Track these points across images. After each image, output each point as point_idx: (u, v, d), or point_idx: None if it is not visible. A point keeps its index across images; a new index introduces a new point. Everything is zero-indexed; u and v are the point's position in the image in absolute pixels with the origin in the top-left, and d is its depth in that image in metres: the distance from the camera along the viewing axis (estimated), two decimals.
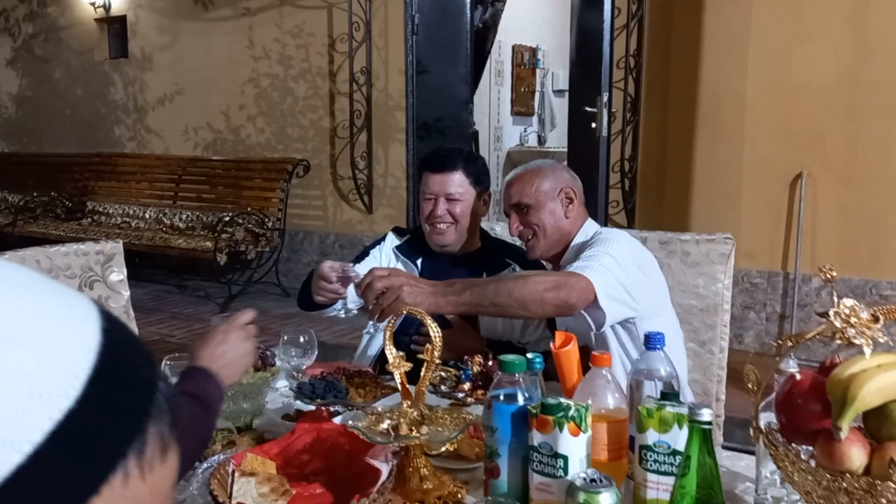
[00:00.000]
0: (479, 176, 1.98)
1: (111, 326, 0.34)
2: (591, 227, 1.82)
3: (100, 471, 0.30)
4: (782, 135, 3.63)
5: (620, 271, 1.59)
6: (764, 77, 3.63)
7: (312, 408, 1.36)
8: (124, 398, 0.32)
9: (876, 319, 0.87)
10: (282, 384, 1.58)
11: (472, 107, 4.84)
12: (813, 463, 0.91)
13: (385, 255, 2.02)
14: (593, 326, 1.55)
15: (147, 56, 5.93)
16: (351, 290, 1.70)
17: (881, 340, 0.87)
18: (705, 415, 0.89)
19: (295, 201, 5.25)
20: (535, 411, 1.01)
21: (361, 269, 1.70)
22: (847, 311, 0.86)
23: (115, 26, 6.17)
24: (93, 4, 6.04)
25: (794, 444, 0.95)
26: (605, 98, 3.88)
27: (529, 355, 1.15)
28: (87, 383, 0.31)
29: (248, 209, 5.05)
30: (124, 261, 1.82)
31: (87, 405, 0.30)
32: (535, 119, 7.54)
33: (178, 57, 5.75)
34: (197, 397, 1.06)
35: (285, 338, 1.60)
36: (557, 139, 7.32)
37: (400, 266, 1.98)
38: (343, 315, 1.95)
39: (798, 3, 3.55)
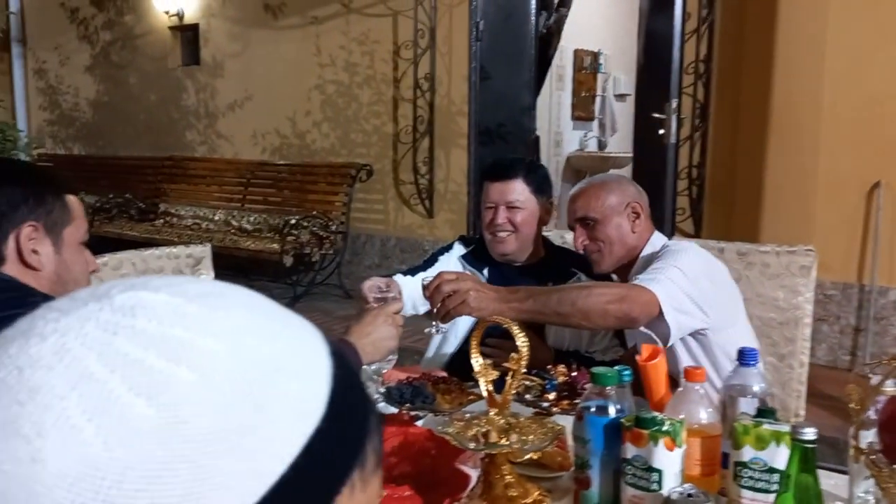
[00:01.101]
0: (540, 185, 2.00)
1: (334, 350, 0.37)
2: (658, 239, 1.81)
3: (335, 483, 0.33)
4: (859, 143, 3.53)
5: (688, 283, 1.58)
6: (840, 84, 3.54)
7: (395, 411, 1.39)
8: (352, 417, 0.35)
9: None
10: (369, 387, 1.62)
11: (534, 113, 4.84)
12: None
13: (452, 263, 2.05)
14: (658, 340, 1.55)
15: (218, 63, 6.10)
16: (410, 296, 1.75)
17: None
18: (809, 434, 0.89)
19: (358, 205, 5.33)
20: (628, 424, 1.02)
21: (429, 274, 1.74)
22: None
23: (187, 34, 6.37)
24: (167, 13, 6.25)
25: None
26: (674, 104, 3.84)
27: (619, 368, 1.16)
28: (327, 404, 0.34)
29: (313, 212, 5.14)
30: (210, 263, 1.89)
31: (328, 424, 0.33)
32: (595, 124, 7.48)
33: (247, 64, 5.91)
34: None
35: None
36: (618, 144, 7.26)
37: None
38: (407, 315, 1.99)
39: (875, 8, 3.45)
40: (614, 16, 6.89)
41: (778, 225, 3.75)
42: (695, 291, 1.59)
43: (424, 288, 1.60)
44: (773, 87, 3.71)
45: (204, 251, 1.87)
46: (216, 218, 5.82)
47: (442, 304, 1.52)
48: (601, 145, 7.48)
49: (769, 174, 3.78)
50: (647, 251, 1.78)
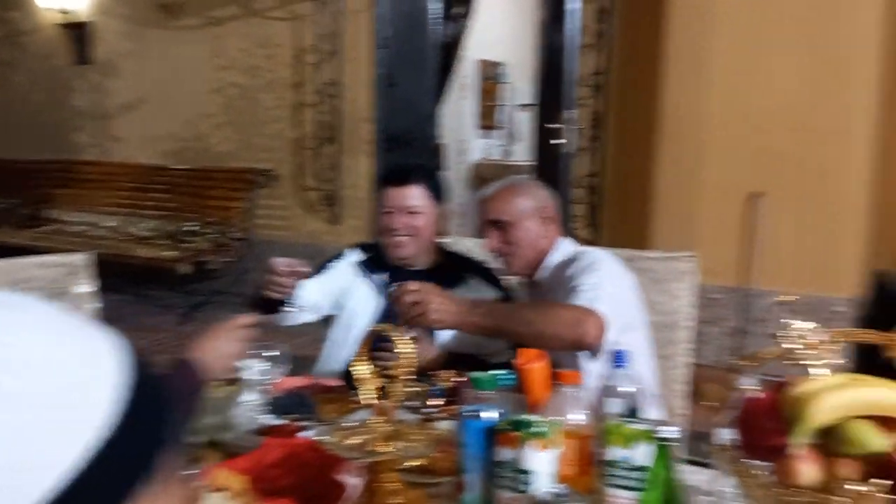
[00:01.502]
0: (438, 191, 2.03)
1: (136, 363, 0.36)
2: (567, 244, 1.86)
3: (114, 498, 0.32)
4: (742, 154, 3.73)
5: (618, 295, 1.65)
6: (724, 97, 3.73)
7: (281, 423, 1.37)
8: (139, 431, 0.34)
9: (824, 341, 0.91)
10: (251, 398, 1.58)
11: (438, 120, 4.88)
12: (769, 479, 0.95)
13: (343, 272, 2.04)
14: (591, 355, 1.60)
15: (110, 62, 5.85)
16: (305, 293, 1.74)
17: (830, 361, 0.91)
18: (667, 431, 0.93)
19: (261, 212, 5.22)
20: (502, 427, 1.04)
21: (316, 283, 1.74)
22: (798, 334, 0.91)
23: (77, 32, 6.08)
24: (55, 10, 5.95)
25: (753, 461, 0.99)
26: (570, 114, 3.95)
27: (500, 372, 1.18)
28: (112, 418, 0.33)
29: (212, 219, 5.00)
30: (92, 272, 1.81)
31: (110, 440, 0.32)
32: (499, 133, 7.62)
33: (142, 64, 5.69)
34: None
35: (255, 350, 1.60)
36: (522, 153, 7.40)
37: (362, 280, 2.01)
38: (299, 322, 1.97)
39: (758, 26, 3.66)
40: (517, 27, 7.04)
41: (668, 232, 3.91)
42: (623, 304, 1.66)
43: (389, 295, 1.60)
44: (664, 100, 3.88)
45: (83, 260, 1.79)
46: (108, 224, 5.58)
47: (404, 313, 1.54)
48: (506, 153, 7.61)
49: (659, 183, 3.94)
50: (556, 255, 1.83)
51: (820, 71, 3.53)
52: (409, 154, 4.55)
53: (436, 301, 1.53)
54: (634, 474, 1.01)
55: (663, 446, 0.94)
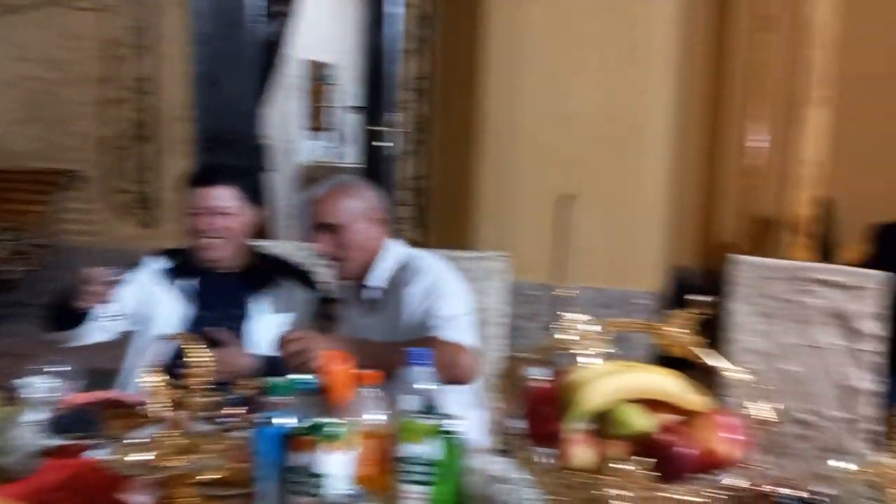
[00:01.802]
0: (250, 191, 1.99)
1: None
2: (397, 247, 1.87)
3: None
4: (554, 159, 3.94)
5: (472, 310, 1.76)
6: (537, 105, 3.92)
7: (65, 443, 1.27)
8: None
9: (595, 331, 0.98)
10: (33, 418, 1.45)
11: (262, 120, 4.75)
12: (551, 464, 1.00)
13: (141, 282, 1.94)
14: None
15: None
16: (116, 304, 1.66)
17: (601, 350, 0.98)
18: (453, 424, 0.96)
19: (68, 216, 4.83)
20: (296, 432, 1.02)
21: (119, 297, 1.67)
22: (572, 325, 0.97)
23: None
24: None
25: (537, 447, 1.05)
26: (394, 118, 3.99)
27: (299, 377, 1.16)
28: None
29: (8, 224, 4.56)
30: None
31: None
32: (329, 134, 7.55)
33: None
34: None
35: (38, 366, 1.47)
36: (352, 155, 7.38)
37: (167, 288, 1.92)
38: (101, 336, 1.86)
39: (568, 35, 3.88)
40: (343, 28, 7.01)
41: (490, 232, 4.06)
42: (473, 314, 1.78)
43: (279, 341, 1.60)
44: (483, 106, 4.02)
45: None
46: None
47: (288, 361, 1.53)
48: (336, 156, 7.56)
49: (481, 186, 4.08)
50: (387, 259, 1.83)
51: (620, 84, 3.81)
52: (231, 154, 4.39)
53: (319, 348, 1.50)
54: (425, 469, 1.03)
55: (452, 440, 0.96)
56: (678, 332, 1.00)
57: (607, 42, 3.80)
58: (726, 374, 1.02)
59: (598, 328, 1.01)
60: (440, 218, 4.26)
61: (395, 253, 1.85)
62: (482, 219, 4.10)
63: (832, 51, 2.55)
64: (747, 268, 2.13)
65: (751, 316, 2.10)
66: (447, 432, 0.97)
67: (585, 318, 1.00)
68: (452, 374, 1.57)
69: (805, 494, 1.00)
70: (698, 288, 3.67)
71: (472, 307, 1.83)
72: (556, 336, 0.99)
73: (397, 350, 1.62)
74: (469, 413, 1.73)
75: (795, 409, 2.05)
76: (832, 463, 1.17)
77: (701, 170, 5.46)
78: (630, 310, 3.87)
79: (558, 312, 1.00)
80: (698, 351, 1.00)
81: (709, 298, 0.94)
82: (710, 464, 0.95)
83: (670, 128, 3.91)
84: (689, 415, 0.99)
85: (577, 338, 0.99)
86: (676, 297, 4.22)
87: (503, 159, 4.00)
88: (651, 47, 3.75)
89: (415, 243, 3.90)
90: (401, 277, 1.80)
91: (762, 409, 0.99)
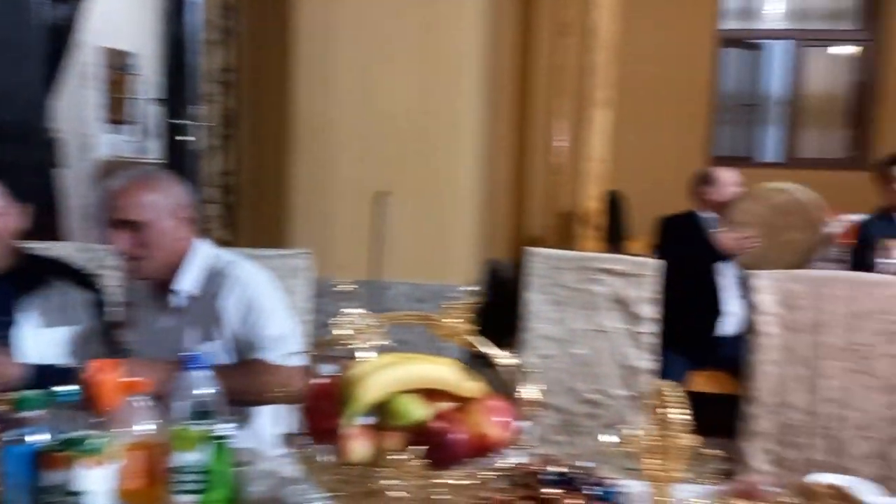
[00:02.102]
0: (14, 190, 1.81)
1: None
2: (205, 247, 1.76)
3: None
4: (366, 155, 3.95)
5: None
6: (351, 101, 3.90)
7: None
8: None
9: (371, 325, 0.98)
10: None
11: (51, 112, 4.35)
12: (328, 461, 0.99)
13: None
14: None
15: None
16: None
17: (378, 343, 0.99)
18: (221, 429, 0.92)
19: None
20: (49, 449, 0.94)
21: None
22: (348, 320, 0.96)
23: None
24: None
25: (317, 444, 1.03)
26: (197, 111, 3.81)
27: (59, 389, 1.07)
28: None
29: None
30: None
31: None
32: (132, 128, 7.07)
33: None
34: None
35: None
36: (156, 150, 6.96)
37: None
38: None
39: (378, 36, 3.89)
40: (143, 15, 6.58)
41: (305, 231, 3.99)
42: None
43: None
44: (295, 101, 3.94)
45: None
46: None
47: None
48: (139, 150, 7.09)
49: (295, 183, 4.00)
50: (195, 260, 1.72)
51: (432, 82, 3.88)
52: (16, 149, 3.99)
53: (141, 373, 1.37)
54: (196, 477, 0.98)
55: (222, 445, 0.93)
56: (454, 322, 1.02)
57: (416, 40, 3.85)
58: (498, 360, 1.06)
59: (375, 322, 1.01)
60: (250, 216, 4.13)
61: (204, 255, 1.75)
62: (295, 217, 4.02)
63: (612, 55, 2.76)
64: (541, 259, 2.25)
65: (545, 304, 2.22)
66: (219, 437, 0.92)
67: (360, 312, 0.99)
68: (282, 397, 1.52)
69: (566, 470, 1.07)
70: (509, 280, 3.84)
71: (295, 320, 1.79)
72: (334, 331, 0.98)
73: (232, 377, 1.53)
74: (276, 416, 1.69)
75: (585, 390, 2.20)
76: (601, 437, 1.26)
77: (512, 167, 5.73)
78: (449, 304, 3.96)
79: (341, 308, 0.99)
80: (472, 340, 1.04)
81: (477, 288, 0.97)
82: (483, 447, 0.98)
83: (481, 126, 4.04)
84: (464, 402, 1.02)
85: (352, 332, 0.99)
86: (491, 289, 4.38)
87: (317, 156, 3.94)
88: (459, 46, 3.85)
89: (223, 243, 3.76)
90: (213, 285, 1.70)
91: (532, 392, 1.04)
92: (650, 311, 2.16)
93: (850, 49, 5.56)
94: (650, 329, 2.16)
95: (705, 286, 3.19)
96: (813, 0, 5.67)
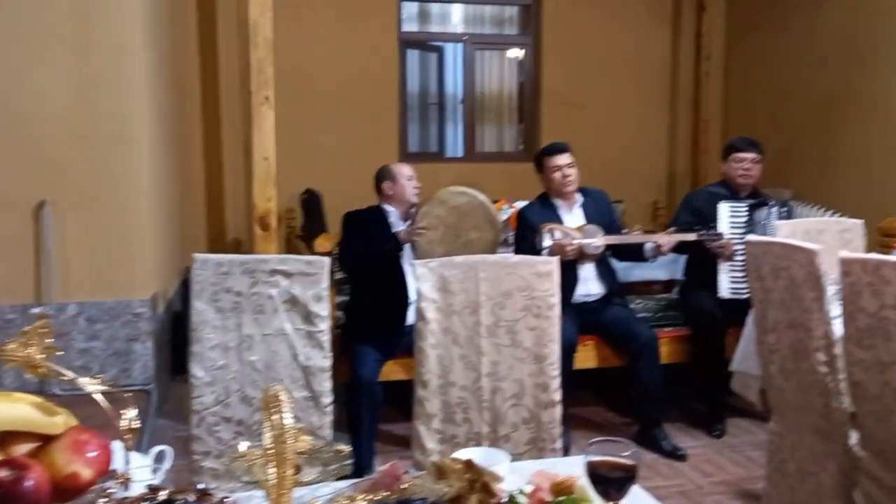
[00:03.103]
0: None
1: None
2: None
3: None
4: (19, 163, 3.49)
5: None
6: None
7: None
8: None
9: None
10: None
11: None
12: None
13: None
14: None
15: None
16: None
17: None
18: None
19: None
20: None
21: None
22: None
23: None
24: None
25: None
26: None
27: None
28: None
29: None
30: None
31: None
32: None
33: None
34: None
35: None
36: None
37: None
38: None
39: (29, 31, 3.45)
40: None
41: None
42: None
43: None
44: None
45: None
46: None
47: None
48: None
49: None
50: None
51: (89, 81, 3.53)
52: None
53: None
54: None
55: None
56: (23, 348, 0.90)
57: (68, 31, 3.47)
58: (88, 389, 0.95)
59: None
60: None
61: None
62: None
63: (271, 52, 2.73)
64: (207, 266, 2.14)
65: (215, 312, 2.12)
66: None
67: None
68: None
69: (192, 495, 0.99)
70: None
71: None
72: None
73: None
74: None
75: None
76: (242, 446, 1.21)
77: (205, 169, 5.47)
78: (128, 321, 3.65)
79: None
80: (55, 368, 0.92)
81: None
82: (72, 488, 0.87)
83: (153, 126, 3.77)
84: (49, 440, 0.90)
85: None
86: (185, 299, 4.13)
87: None
88: (119, 39, 3.54)
89: None
90: None
91: (133, 417, 0.95)
92: (321, 309, 2.16)
93: (516, 52, 6.15)
94: (324, 327, 2.16)
95: (392, 278, 3.30)
96: (484, 7, 6.18)
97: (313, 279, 2.17)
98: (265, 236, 2.66)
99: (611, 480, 1.12)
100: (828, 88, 5.02)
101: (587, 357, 3.56)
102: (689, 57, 6.03)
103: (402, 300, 3.27)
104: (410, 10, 6.00)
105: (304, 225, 5.14)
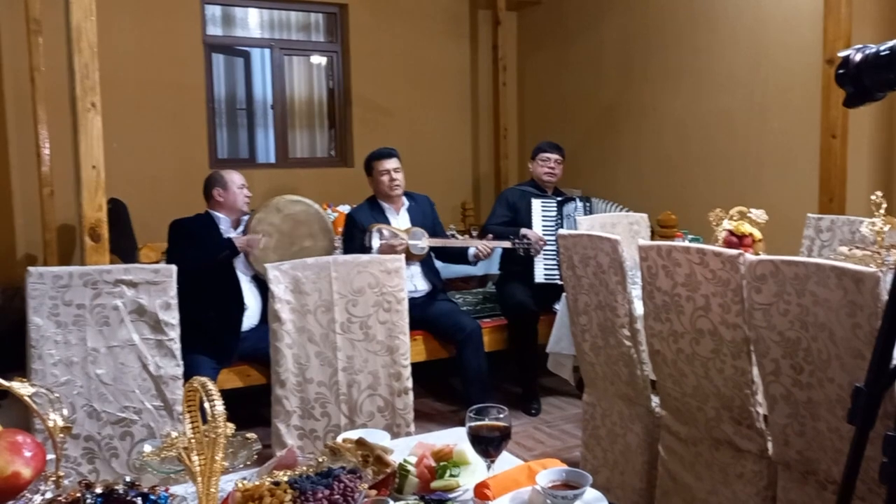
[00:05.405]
0: None
1: None
2: None
3: None
4: None
5: None
6: None
7: None
8: None
9: None
10: None
11: None
12: None
13: None
14: None
15: None
16: None
17: None
18: None
19: None
20: None
21: None
22: None
23: None
24: None
25: None
26: None
27: None
28: None
29: None
30: None
31: None
32: None
33: None
34: None
35: None
36: None
37: None
38: None
39: None
40: None
41: None
42: None
43: None
44: None
45: None
46: None
47: None
48: None
49: None
50: None
51: None
52: None
53: None
54: None
55: None
56: None
57: None
58: (16, 391, 0.96)
59: None
60: None
61: None
62: None
63: (94, 57, 2.63)
64: (44, 279, 2.05)
65: (55, 327, 2.04)
66: None
67: None
68: None
69: (109, 489, 1.03)
70: (4, 306, 3.37)
71: None
72: None
73: None
74: None
75: (114, 410, 2.09)
76: (145, 447, 1.24)
77: None
78: None
79: None
80: None
81: None
82: (10, 488, 0.89)
83: None
84: None
85: None
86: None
87: None
88: None
89: None
90: None
91: (57, 419, 0.97)
92: (169, 316, 2.15)
93: (324, 58, 6.24)
94: (173, 334, 2.16)
95: (226, 285, 3.29)
96: (289, 12, 6.18)
97: (161, 287, 2.16)
98: (96, 248, 2.55)
99: (490, 440, 1.31)
100: (607, 99, 5.67)
101: (416, 351, 3.76)
102: (487, 68, 6.47)
103: (237, 307, 3.27)
104: (214, 13, 5.88)
105: (111, 238, 4.85)
